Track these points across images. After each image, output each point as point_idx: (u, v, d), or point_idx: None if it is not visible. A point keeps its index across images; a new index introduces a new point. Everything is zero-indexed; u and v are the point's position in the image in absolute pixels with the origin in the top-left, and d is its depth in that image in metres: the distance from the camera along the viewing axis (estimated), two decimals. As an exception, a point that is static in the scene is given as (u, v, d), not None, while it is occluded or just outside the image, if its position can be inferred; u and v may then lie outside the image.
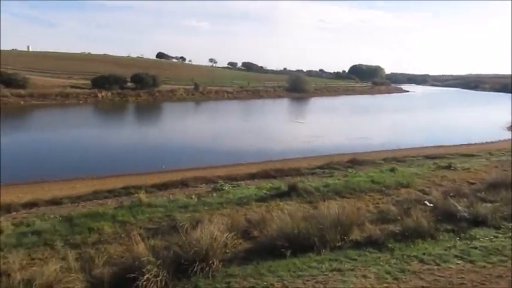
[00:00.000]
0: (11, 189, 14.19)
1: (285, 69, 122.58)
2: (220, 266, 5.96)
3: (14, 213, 9.93)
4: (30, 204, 10.70)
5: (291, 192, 10.77)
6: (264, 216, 8.13)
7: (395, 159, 17.32)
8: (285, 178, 13.70)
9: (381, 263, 5.97)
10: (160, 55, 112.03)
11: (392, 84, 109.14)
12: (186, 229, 6.55)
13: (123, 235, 7.53)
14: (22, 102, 40.36)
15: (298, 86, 68.00)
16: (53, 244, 6.84)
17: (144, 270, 5.32)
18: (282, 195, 10.69)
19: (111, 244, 7.10)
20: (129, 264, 5.60)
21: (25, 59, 59.25)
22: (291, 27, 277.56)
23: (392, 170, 13.95)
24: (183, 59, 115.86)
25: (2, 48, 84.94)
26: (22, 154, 20.77)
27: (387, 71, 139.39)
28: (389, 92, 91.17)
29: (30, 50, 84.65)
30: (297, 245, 6.61)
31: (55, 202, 10.96)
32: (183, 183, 13.13)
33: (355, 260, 6.16)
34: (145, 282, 5.20)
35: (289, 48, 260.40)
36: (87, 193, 11.90)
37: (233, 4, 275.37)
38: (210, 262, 5.85)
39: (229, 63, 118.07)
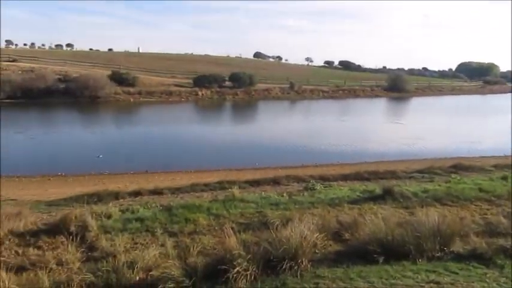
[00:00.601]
0: (120, 178, 15.58)
1: (384, 67, 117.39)
2: (309, 266, 5.87)
3: (121, 200, 10.87)
4: (135, 193, 11.62)
5: (386, 196, 10.27)
6: (356, 219, 7.85)
7: (509, 166, 15.62)
8: (379, 181, 13.15)
9: (487, 280, 5.40)
10: (257, 55, 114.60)
11: (509, 83, 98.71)
12: (276, 226, 6.58)
13: (216, 227, 7.81)
14: (132, 99, 44.17)
15: (397, 85, 64.81)
16: (154, 231, 7.33)
17: (234, 263, 5.45)
18: (376, 198, 10.24)
19: (205, 235, 7.40)
20: (221, 256, 5.77)
21: (135, 60, 64.61)
22: (392, 23, 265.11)
23: (504, 178, 12.60)
24: (279, 58, 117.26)
25: (116, 50, 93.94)
26: (131, 146, 22.67)
27: (502, 69, 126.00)
28: (503, 92, 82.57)
29: (140, 51, 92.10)
30: (391, 251, 6.26)
31: (157, 192, 11.76)
32: (275, 181, 13.26)
33: (456, 273, 5.65)
34: (235, 275, 5.32)
35: (390, 45, 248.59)
36: (185, 185, 12.58)
37: (331, 2, 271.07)
38: (299, 261, 5.80)
39: (326, 62, 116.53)
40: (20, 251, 6.27)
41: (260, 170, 16.36)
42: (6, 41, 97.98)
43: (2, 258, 5.88)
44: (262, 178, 13.53)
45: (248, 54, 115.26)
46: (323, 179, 13.57)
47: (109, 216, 8.04)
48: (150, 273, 5.56)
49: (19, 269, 5.52)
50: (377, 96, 61.56)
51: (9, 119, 32.28)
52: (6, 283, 4.82)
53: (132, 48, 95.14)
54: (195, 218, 8.13)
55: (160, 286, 5.11)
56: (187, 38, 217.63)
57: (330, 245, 6.92)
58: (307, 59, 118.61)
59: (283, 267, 5.66)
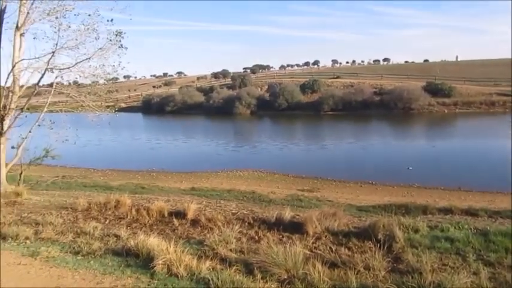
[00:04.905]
0: (429, 192, 15.02)
1: None
2: None
3: (429, 215, 10.38)
4: (445, 210, 10.90)
5: None
6: None
7: None
8: None
9: None
10: None
11: None
12: None
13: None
14: (446, 111, 42.00)
15: None
16: (465, 255, 6.59)
17: None
18: None
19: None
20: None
21: (452, 69, 61.03)
22: None
23: None
24: None
25: (432, 60, 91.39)
26: (443, 160, 21.52)
27: None
28: None
29: (458, 59, 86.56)
30: None
31: (470, 213, 10.65)
32: None
33: None
34: None
35: None
36: (507, 209, 10.88)
37: None
38: None
39: None
40: (333, 248, 6.88)
41: None
42: (332, 60, 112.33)
43: (319, 252, 6.62)
44: None
45: None
46: None
47: (416, 230, 7.79)
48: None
49: (331, 265, 6.05)
50: None
51: (338, 130, 36.85)
52: (321, 275, 5.37)
53: (450, 57, 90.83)
54: (519, 249, 6.84)
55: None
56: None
57: None
58: None
59: None
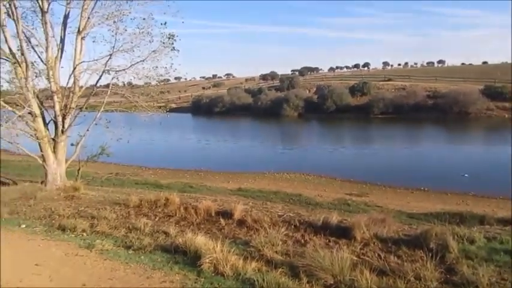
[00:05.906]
0: (486, 201, 14.25)
1: None
2: None
3: (487, 226, 9.84)
4: (505, 221, 10.27)
5: None
6: None
7: None
8: None
9: None
10: None
11: None
12: None
13: None
14: (506, 115, 39.68)
15: None
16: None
17: None
18: None
19: None
20: None
21: (513, 71, 57.46)
22: None
23: None
24: None
25: (491, 63, 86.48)
26: (502, 168, 20.34)
27: None
28: None
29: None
30: None
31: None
32: None
33: None
34: None
35: None
36: None
37: None
38: None
39: None
40: (382, 256, 6.68)
41: None
42: (383, 62, 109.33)
43: (366, 258, 6.45)
44: None
45: None
46: None
47: (472, 241, 7.38)
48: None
49: (380, 272, 5.87)
50: None
51: (389, 133, 35.83)
52: (369, 282, 5.23)
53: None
54: None
55: None
56: None
57: None
58: None
59: None
